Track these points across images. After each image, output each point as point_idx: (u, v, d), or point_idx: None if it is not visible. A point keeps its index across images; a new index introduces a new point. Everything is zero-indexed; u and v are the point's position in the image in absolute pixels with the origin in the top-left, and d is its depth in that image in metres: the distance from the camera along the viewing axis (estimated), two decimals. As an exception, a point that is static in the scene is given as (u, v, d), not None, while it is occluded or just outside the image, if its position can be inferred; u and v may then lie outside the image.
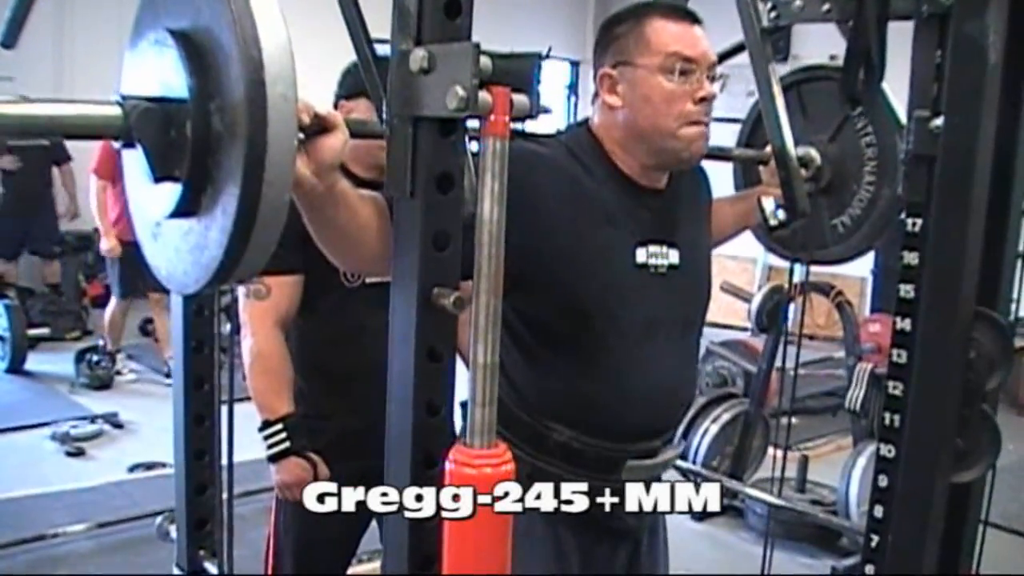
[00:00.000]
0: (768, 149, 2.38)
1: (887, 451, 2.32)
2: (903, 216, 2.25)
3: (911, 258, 2.24)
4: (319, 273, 2.42)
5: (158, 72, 1.19)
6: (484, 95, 1.15)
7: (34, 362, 7.14)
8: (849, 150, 2.49)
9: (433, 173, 1.25)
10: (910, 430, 1.79)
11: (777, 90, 2.28)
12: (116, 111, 1.16)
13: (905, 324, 2.27)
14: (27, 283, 8.31)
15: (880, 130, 2.44)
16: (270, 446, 2.38)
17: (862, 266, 7.14)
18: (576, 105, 9.85)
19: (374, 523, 2.66)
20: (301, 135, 1.32)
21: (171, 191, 1.19)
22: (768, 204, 2.35)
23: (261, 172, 1.10)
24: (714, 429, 4.40)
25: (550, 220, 1.80)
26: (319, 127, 1.38)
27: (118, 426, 5.94)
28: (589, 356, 1.89)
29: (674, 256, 1.98)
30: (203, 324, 1.91)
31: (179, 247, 1.25)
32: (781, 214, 2.40)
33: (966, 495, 1.81)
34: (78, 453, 5.52)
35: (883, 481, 2.34)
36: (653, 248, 1.95)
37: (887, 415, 2.31)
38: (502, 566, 1.18)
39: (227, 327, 6.73)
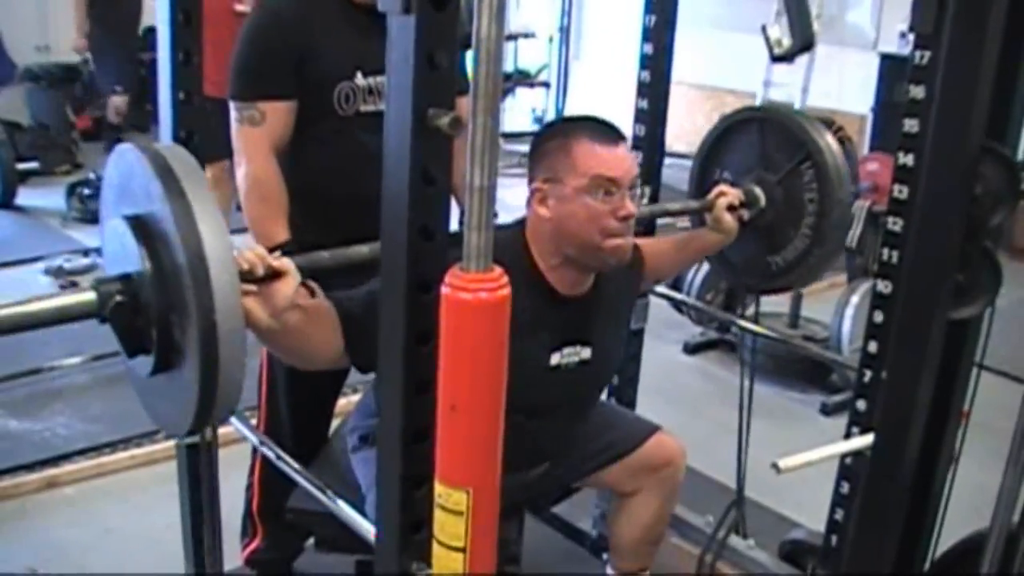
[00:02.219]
0: (711, 196, 2.54)
1: (884, 287, 2.31)
2: (911, 49, 2.20)
3: (917, 92, 2.19)
4: (312, 99, 2.38)
5: (126, 247, 1.40)
6: (482, -96, 1.08)
7: (24, 197, 7.09)
8: (793, 197, 2.63)
9: (428, -12, 1.19)
10: (909, 265, 1.76)
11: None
12: (92, 297, 1.38)
13: (908, 159, 2.24)
14: (14, 117, 8.18)
15: (824, 189, 2.59)
16: None
17: (863, 103, 7.05)
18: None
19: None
20: (254, 287, 1.54)
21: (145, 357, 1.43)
22: (774, 32, 2.30)
23: (216, 357, 1.32)
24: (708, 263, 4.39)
25: None
26: (271, 274, 1.57)
27: (111, 260, 5.94)
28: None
29: (586, 353, 2.20)
30: (193, 153, 1.86)
31: (162, 399, 1.49)
32: (787, 42, 2.35)
33: (962, 335, 1.80)
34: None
35: (879, 317, 2.34)
36: (567, 349, 2.17)
37: (885, 251, 2.30)
38: (498, 391, 1.17)
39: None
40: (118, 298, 1.37)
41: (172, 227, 1.30)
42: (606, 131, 2.06)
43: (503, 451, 2.03)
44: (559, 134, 2.07)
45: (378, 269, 1.84)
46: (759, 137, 2.69)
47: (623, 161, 2.04)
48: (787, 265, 2.68)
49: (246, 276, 1.51)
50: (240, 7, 4.35)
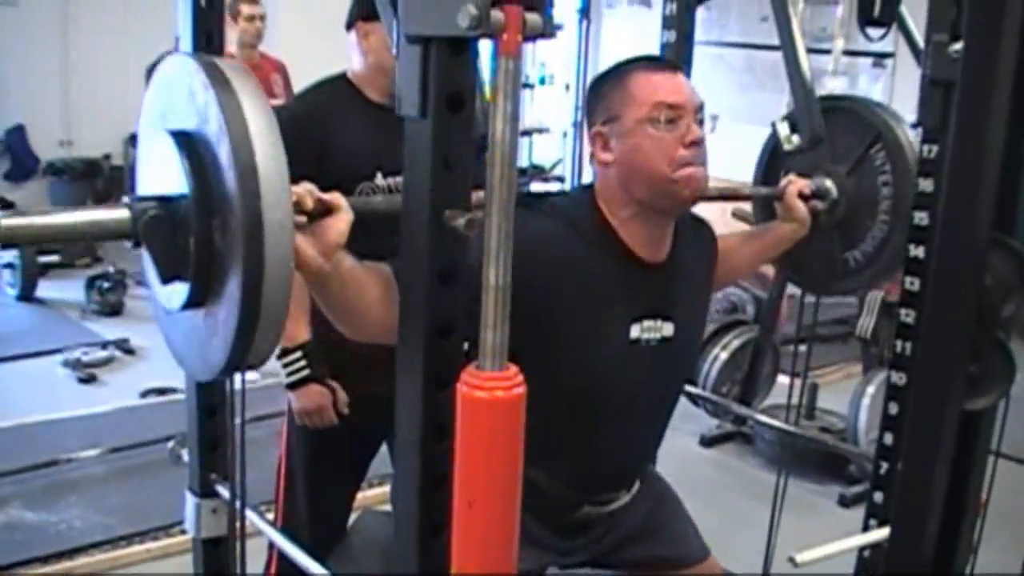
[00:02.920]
0: (782, 184, 2.42)
1: (898, 379, 2.32)
2: (919, 143, 2.24)
3: (926, 185, 2.23)
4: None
5: (165, 168, 1.26)
6: (496, 13, 1.12)
7: (45, 289, 7.15)
8: (866, 186, 2.49)
9: (444, 93, 1.23)
10: (922, 357, 1.77)
11: (792, 10, 2.25)
12: (125, 214, 1.24)
13: (919, 251, 2.26)
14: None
15: (897, 171, 2.45)
16: (289, 373, 2.38)
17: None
18: (588, 28, 9.70)
19: (384, 446, 2.68)
20: (304, 219, 1.39)
21: (181, 285, 1.28)
22: (783, 129, 2.33)
23: (259, 296, 1.19)
24: (724, 356, 4.40)
25: (546, 301, 1.83)
26: (323, 210, 1.42)
27: (129, 351, 5.97)
28: (570, 417, 1.94)
29: (668, 329, 2.02)
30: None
31: (189, 338, 1.35)
32: (796, 139, 2.38)
33: (977, 423, 1.80)
34: (90, 379, 5.55)
35: (893, 408, 2.35)
36: (648, 323, 1.99)
37: (899, 342, 2.31)
38: (514, 489, 1.18)
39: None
40: (152, 212, 1.24)
41: (223, 143, 1.19)
42: (661, 63, 1.98)
43: (588, 469, 2.04)
44: (613, 75, 1.96)
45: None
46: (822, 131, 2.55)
47: (684, 86, 1.93)
48: (867, 258, 2.55)
49: (294, 209, 1.35)
50: (273, 101, 4.45)
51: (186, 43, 1.82)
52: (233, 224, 1.18)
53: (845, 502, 4.39)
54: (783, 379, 5.57)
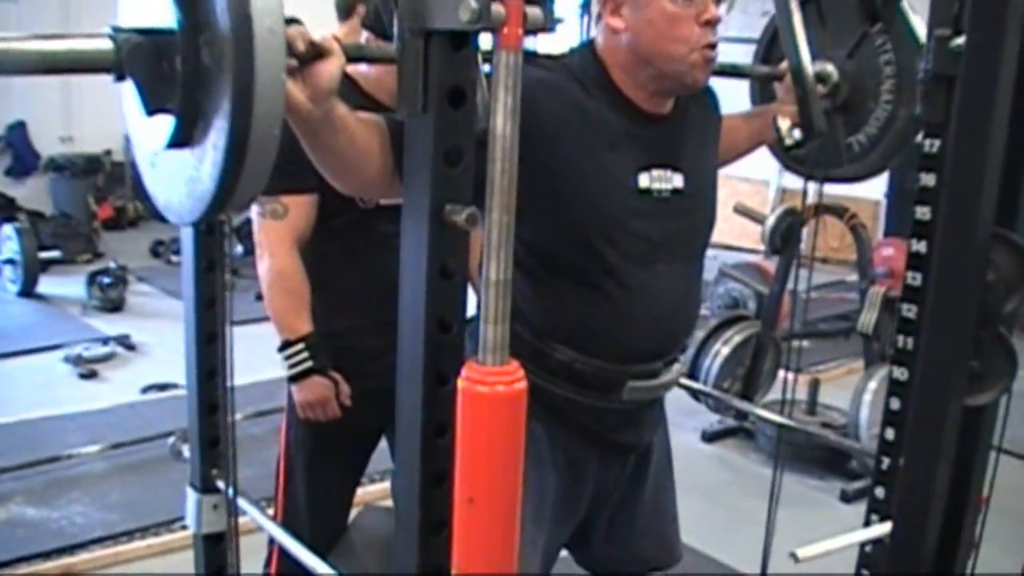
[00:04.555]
0: (783, 65, 2.35)
1: (900, 374, 2.31)
2: (921, 137, 2.23)
3: (928, 179, 2.21)
4: (334, 193, 2.40)
5: (149, 5, 1.20)
6: (497, 7, 1.12)
7: (46, 285, 7.17)
8: (867, 67, 2.44)
9: (445, 88, 1.22)
10: (924, 352, 1.77)
11: (794, 5, 2.24)
12: (108, 45, 1.17)
13: (921, 246, 2.25)
14: (37, 207, 8.31)
15: (899, 48, 2.40)
16: (291, 366, 2.38)
17: (876, 189, 7.09)
18: (589, 23, 9.64)
19: (383, 442, 2.68)
20: (295, 62, 1.33)
21: (165, 123, 1.21)
22: (784, 123, 2.32)
23: (250, 106, 1.12)
24: (725, 351, 4.39)
25: (550, 148, 1.78)
26: (315, 53, 1.36)
27: (130, 347, 5.98)
28: (591, 280, 1.89)
29: (678, 180, 1.95)
30: (213, 244, 1.90)
31: (175, 178, 1.27)
32: (797, 133, 2.37)
33: (979, 419, 1.80)
34: (91, 375, 5.55)
35: (895, 404, 2.34)
36: (656, 172, 1.92)
37: (900, 338, 2.30)
38: (515, 485, 1.18)
39: (238, 248, 6.81)
40: (137, 40, 1.17)
41: None
42: None
43: (628, 335, 1.93)
44: None
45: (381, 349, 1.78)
46: (818, 16, 2.48)
47: None
48: (871, 140, 2.49)
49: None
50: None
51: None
52: (221, 36, 1.12)
53: (847, 498, 4.39)
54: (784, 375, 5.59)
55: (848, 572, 2.54)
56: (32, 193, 8.45)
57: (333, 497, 2.69)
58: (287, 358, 2.39)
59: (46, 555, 3.53)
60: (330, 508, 2.68)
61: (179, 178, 1.26)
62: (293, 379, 2.40)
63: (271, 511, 2.63)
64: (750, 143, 2.45)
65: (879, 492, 2.42)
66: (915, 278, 2.28)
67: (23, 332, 6.24)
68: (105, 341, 5.97)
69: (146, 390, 5.27)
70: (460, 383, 1.14)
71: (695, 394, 4.30)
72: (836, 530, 1.99)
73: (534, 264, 1.87)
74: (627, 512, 2.21)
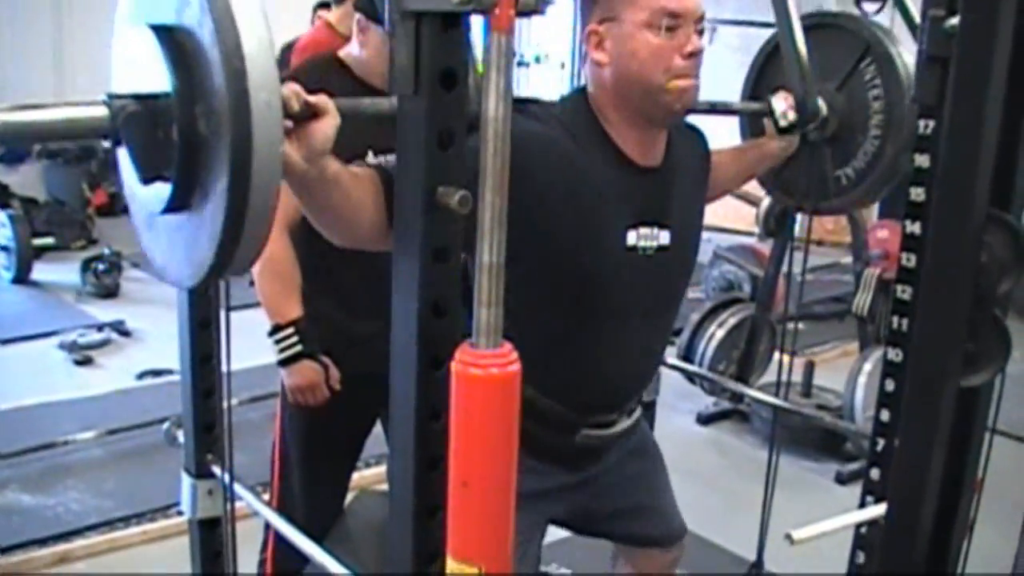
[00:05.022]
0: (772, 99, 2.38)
1: (895, 355, 2.31)
2: (916, 118, 2.22)
3: (922, 161, 2.21)
4: None
5: (144, 66, 1.19)
6: (488, -12, 1.11)
7: (40, 272, 7.14)
8: (856, 101, 2.47)
9: (437, 70, 1.22)
10: (918, 334, 1.77)
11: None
12: (103, 112, 1.17)
13: (915, 228, 2.25)
14: (31, 193, 8.28)
15: (889, 83, 2.43)
16: (281, 350, 2.38)
17: (871, 172, 7.08)
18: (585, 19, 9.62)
19: (378, 426, 2.68)
20: (289, 123, 1.33)
21: (162, 186, 1.21)
22: (779, 105, 2.32)
23: (247, 179, 1.12)
24: (720, 334, 4.39)
25: (541, 203, 1.79)
26: (309, 113, 1.36)
27: (125, 334, 5.97)
28: (564, 330, 1.91)
29: (664, 237, 1.98)
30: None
31: (172, 242, 1.28)
32: (791, 115, 2.36)
33: (974, 401, 1.80)
34: (86, 361, 5.54)
35: (890, 385, 2.34)
36: (644, 230, 1.95)
37: (895, 319, 2.30)
38: (509, 467, 1.18)
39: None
40: (132, 108, 1.17)
41: (205, 21, 1.12)
42: None
43: (591, 385, 2.01)
44: None
45: (375, 336, 1.81)
46: (812, 47, 2.47)
47: None
48: (859, 174, 2.53)
49: None
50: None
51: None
52: (218, 107, 1.12)
53: (842, 479, 4.40)
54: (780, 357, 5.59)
55: (843, 554, 2.55)
56: (25, 180, 8.41)
57: (328, 482, 2.70)
58: (277, 342, 2.38)
59: (42, 542, 3.53)
60: (325, 493, 2.68)
61: (176, 244, 1.27)
62: (283, 363, 2.40)
63: (266, 497, 2.63)
64: (739, 179, 2.50)
65: (874, 473, 2.43)
66: (909, 259, 2.27)
67: (17, 319, 6.23)
68: (100, 327, 5.96)
69: (141, 376, 5.27)
70: (454, 366, 1.14)
71: (690, 376, 4.30)
72: (831, 512, 1.99)
73: (511, 300, 1.88)
74: (614, 497, 2.25)
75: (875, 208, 7.26)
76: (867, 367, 4.31)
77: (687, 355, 4.40)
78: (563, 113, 1.94)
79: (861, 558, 2.51)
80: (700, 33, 1.87)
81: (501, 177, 1.11)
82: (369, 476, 3.76)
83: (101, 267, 6.78)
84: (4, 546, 3.46)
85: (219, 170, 1.13)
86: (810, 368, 4.83)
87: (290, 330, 2.36)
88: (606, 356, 1.99)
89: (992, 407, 1.82)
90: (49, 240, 7.65)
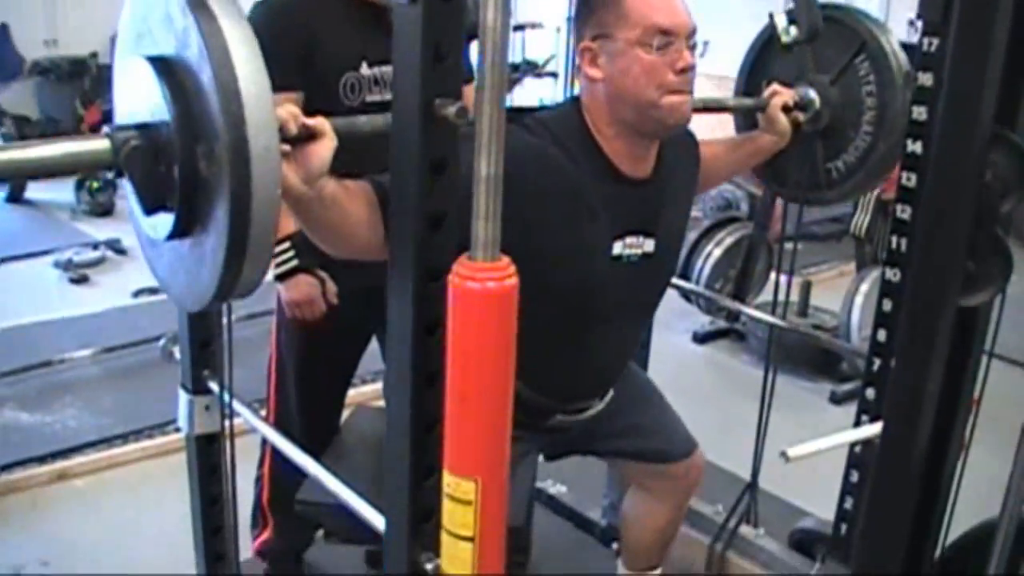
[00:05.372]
0: (765, 95, 2.42)
1: (893, 275, 2.31)
2: (919, 37, 2.19)
3: (925, 79, 2.18)
4: (318, 91, 2.38)
5: (144, 94, 1.22)
6: None
7: (33, 191, 7.12)
8: (850, 97, 2.48)
9: (434, -23, 1.18)
10: (918, 252, 1.76)
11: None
12: (106, 145, 1.20)
13: (916, 147, 2.23)
14: (23, 111, 8.19)
15: (882, 81, 2.43)
16: (278, 264, 2.37)
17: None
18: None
19: (374, 343, 2.68)
20: (287, 147, 1.35)
21: (165, 216, 1.25)
22: (780, 20, 2.28)
23: (247, 219, 1.16)
24: (717, 252, 4.38)
25: (532, 214, 1.81)
26: (307, 135, 1.39)
27: (120, 252, 5.96)
28: (546, 327, 1.90)
29: (649, 245, 2.05)
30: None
31: (175, 266, 1.33)
32: (793, 31, 2.33)
33: (972, 321, 1.79)
34: (81, 280, 5.54)
35: (887, 305, 2.34)
36: (630, 239, 2.02)
37: (894, 239, 2.29)
38: (507, 382, 1.17)
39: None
40: (134, 143, 1.20)
41: (205, 69, 1.15)
42: None
43: (568, 377, 2.09)
44: None
45: (373, 273, 1.85)
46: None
47: (678, 10, 1.90)
48: (849, 168, 2.55)
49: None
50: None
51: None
52: (218, 151, 1.15)
53: (836, 399, 4.43)
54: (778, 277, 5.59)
55: (835, 472, 2.57)
56: (17, 97, 8.31)
57: (324, 398, 2.70)
58: (273, 257, 2.37)
59: (40, 459, 3.56)
60: (322, 409, 2.69)
61: (179, 268, 1.31)
62: (279, 278, 2.39)
63: (263, 413, 2.64)
64: (731, 172, 2.58)
65: (870, 393, 2.44)
66: (910, 179, 2.26)
67: (12, 238, 6.21)
68: (95, 246, 5.95)
69: (137, 294, 5.26)
70: (451, 279, 1.13)
71: (687, 295, 4.30)
72: (825, 431, 2.00)
73: None
74: (602, 426, 2.31)
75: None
76: (864, 287, 4.31)
77: (684, 273, 4.40)
78: (555, 124, 1.96)
79: (855, 477, 2.53)
80: (692, 48, 1.92)
81: (499, 87, 1.08)
82: (367, 392, 3.78)
83: (96, 185, 6.75)
84: (3, 464, 3.49)
85: (219, 208, 1.17)
86: (807, 288, 4.84)
87: (286, 244, 2.35)
88: (589, 354, 2.08)
89: (990, 330, 1.82)
90: (43, 158, 7.58)
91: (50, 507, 3.34)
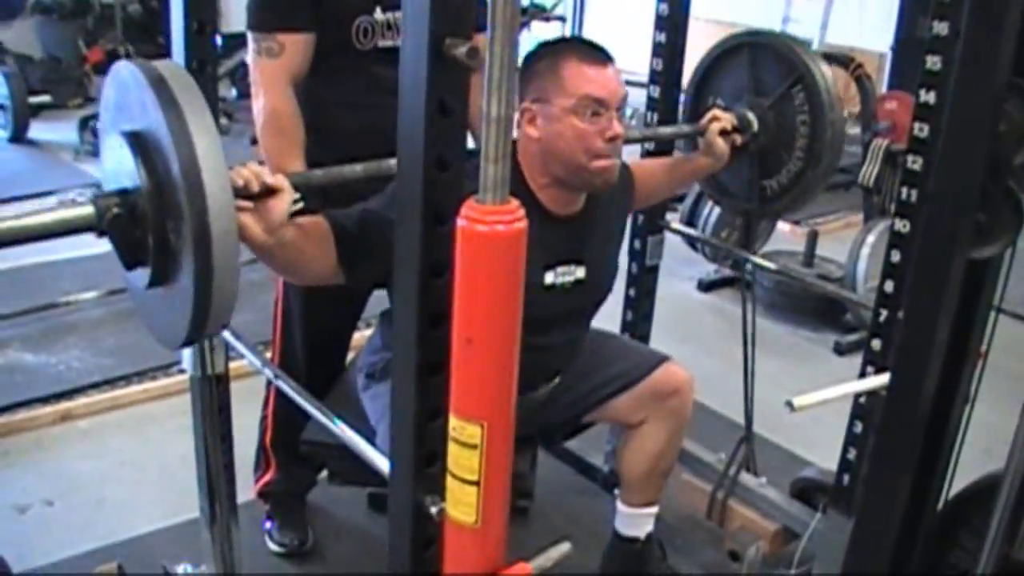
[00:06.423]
0: (704, 121, 2.57)
1: (902, 226, 2.29)
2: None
3: (941, 28, 2.15)
4: (331, 33, 2.36)
5: (125, 159, 1.39)
6: None
7: (37, 130, 7.07)
8: (785, 122, 2.66)
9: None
10: (930, 202, 1.74)
11: None
12: (90, 210, 1.38)
13: (929, 97, 2.20)
14: (26, 50, 8.13)
15: (816, 110, 2.61)
16: None
17: (883, 41, 6.95)
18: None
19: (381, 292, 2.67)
20: (250, 204, 1.57)
21: (143, 269, 1.43)
22: None
23: (210, 283, 1.33)
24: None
25: None
26: (266, 190, 1.58)
27: (124, 193, 5.93)
28: None
29: (580, 272, 2.22)
30: (205, 87, 1.84)
31: (159, 309, 1.50)
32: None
33: (981, 275, 1.78)
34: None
35: (896, 256, 2.32)
36: (561, 268, 2.18)
37: (904, 190, 2.27)
38: (514, 325, 1.16)
39: (232, 91, 6.74)
40: (115, 210, 1.37)
41: (166, 138, 1.31)
42: (595, 52, 2.06)
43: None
44: (548, 55, 2.07)
45: (372, 190, 1.93)
46: (750, 63, 2.71)
47: (611, 81, 2.04)
48: (781, 188, 2.72)
49: (241, 192, 1.54)
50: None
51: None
52: (184, 232, 1.31)
53: (840, 350, 4.43)
54: (783, 226, 5.57)
55: (838, 422, 2.57)
56: (19, 36, 8.23)
57: (330, 340, 2.70)
58: None
59: (44, 400, 3.57)
60: (327, 351, 2.69)
61: (161, 311, 1.49)
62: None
63: (268, 355, 2.63)
64: (669, 191, 2.79)
65: (875, 344, 2.43)
66: (922, 129, 2.24)
67: (15, 178, 6.18)
68: (98, 186, 5.91)
69: (141, 235, 5.24)
70: (459, 222, 1.12)
71: (692, 242, 4.29)
72: (829, 382, 1.99)
73: None
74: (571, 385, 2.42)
75: (885, 78, 7.16)
76: (871, 238, 4.29)
77: (690, 220, 4.39)
78: None
79: (859, 427, 2.53)
80: (622, 117, 2.07)
81: (510, 27, 1.06)
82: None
83: (99, 125, 6.70)
84: (7, 404, 3.50)
85: (185, 277, 1.36)
86: (813, 237, 4.81)
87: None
88: (527, 358, 2.11)
89: (999, 284, 1.81)
90: (46, 98, 7.53)
91: (54, 447, 3.35)
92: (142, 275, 1.43)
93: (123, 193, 1.38)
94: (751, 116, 2.65)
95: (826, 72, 2.62)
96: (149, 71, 1.36)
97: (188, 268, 1.33)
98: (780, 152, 2.68)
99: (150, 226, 1.36)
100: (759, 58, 2.71)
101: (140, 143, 1.37)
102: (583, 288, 2.23)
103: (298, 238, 1.72)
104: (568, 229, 2.17)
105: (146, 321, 1.58)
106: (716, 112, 2.59)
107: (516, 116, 2.05)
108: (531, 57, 2.10)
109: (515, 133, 2.03)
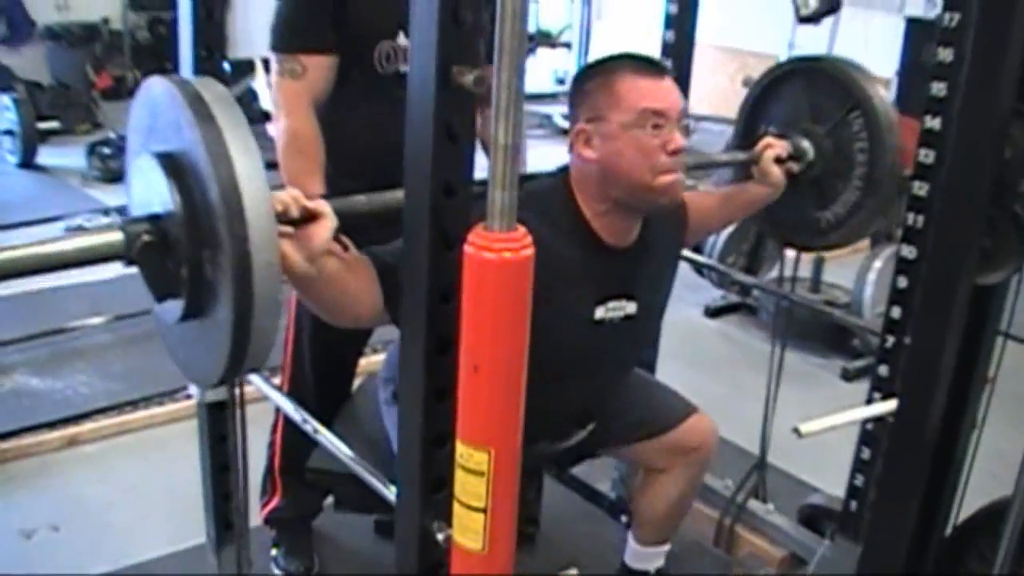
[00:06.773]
0: (758, 148, 2.44)
1: (908, 252, 2.29)
2: (940, 11, 2.17)
3: (946, 55, 2.16)
4: (353, 56, 2.37)
5: (155, 182, 1.28)
6: None
7: (45, 156, 7.11)
8: (842, 150, 2.51)
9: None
10: (936, 229, 1.75)
11: None
12: (119, 237, 1.26)
13: (935, 123, 2.21)
14: (35, 76, 8.18)
15: (875, 136, 2.46)
16: None
17: (887, 66, 6.96)
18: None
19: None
20: (290, 228, 1.43)
21: (175, 302, 1.32)
22: None
23: (249, 321, 1.22)
24: (730, 227, 4.37)
25: None
26: (308, 216, 1.46)
27: (132, 219, 5.95)
28: (532, 384, 1.95)
29: (631, 308, 2.11)
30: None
31: (187, 347, 1.40)
32: (813, 3, 2.31)
33: (988, 301, 1.79)
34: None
35: (903, 282, 2.33)
36: (612, 304, 2.08)
37: (911, 216, 2.28)
38: (520, 352, 1.16)
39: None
40: (146, 238, 1.26)
41: (204, 160, 1.20)
42: (648, 64, 1.99)
43: (549, 416, 2.08)
44: (599, 73, 1.98)
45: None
46: (805, 89, 2.60)
47: (670, 92, 1.95)
48: (837, 220, 2.58)
49: (280, 218, 1.41)
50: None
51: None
52: (222, 261, 1.20)
53: (847, 376, 4.42)
54: (790, 252, 5.56)
55: (846, 448, 2.57)
56: (28, 62, 8.30)
57: (337, 365, 2.70)
58: None
59: (51, 425, 3.56)
60: (336, 377, 2.69)
61: (194, 346, 1.37)
62: None
63: (277, 380, 2.63)
64: (724, 223, 2.70)
65: (883, 370, 2.43)
66: (928, 155, 2.24)
67: (23, 203, 6.19)
68: (106, 212, 5.93)
69: (149, 261, 5.26)
70: (466, 249, 1.12)
71: (699, 268, 4.29)
72: (837, 407, 1.98)
73: None
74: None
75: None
76: (877, 264, 4.30)
77: (696, 247, 4.38)
78: (542, 197, 1.99)
79: (866, 453, 2.52)
80: (683, 129, 1.96)
81: (518, 55, 1.07)
82: (377, 361, 3.76)
83: (107, 151, 6.74)
84: (14, 429, 3.49)
85: (223, 311, 1.24)
86: (819, 263, 4.82)
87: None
88: (569, 406, 2.20)
89: (1006, 309, 1.81)
90: (54, 124, 7.58)
91: (61, 472, 3.35)
92: (173, 307, 1.32)
93: (154, 219, 1.28)
94: (806, 144, 2.52)
95: (884, 96, 2.50)
96: (185, 87, 1.26)
97: (226, 301, 1.22)
98: (836, 182, 2.54)
99: (184, 255, 1.26)
100: (815, 84, 2.57)
101: (174, 165, 1.26)
102: (633, 325, 2.13)
103: (340, 271, 1.60)
104: (621, 261, 2.07)
105: (176, 357, 1.47)
106: (770, 140, 2.46)
107: (569, 140, 2.01)
108: (580, 77, 2.03)
109: (568, 158, 2.03)
